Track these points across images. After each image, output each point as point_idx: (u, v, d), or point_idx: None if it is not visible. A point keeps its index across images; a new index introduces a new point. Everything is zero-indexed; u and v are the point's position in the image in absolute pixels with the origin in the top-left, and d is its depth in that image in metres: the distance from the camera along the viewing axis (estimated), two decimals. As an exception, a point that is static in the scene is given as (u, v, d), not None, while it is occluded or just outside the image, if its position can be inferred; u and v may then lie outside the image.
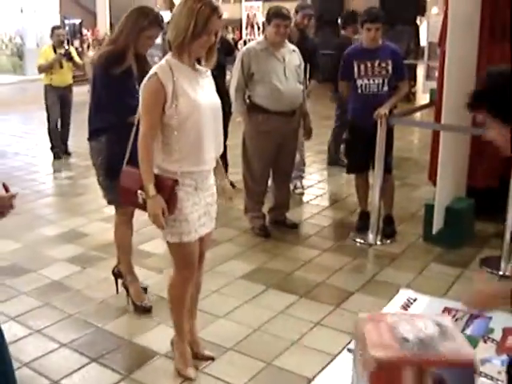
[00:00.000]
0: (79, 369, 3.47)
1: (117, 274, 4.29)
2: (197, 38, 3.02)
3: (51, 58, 8.47)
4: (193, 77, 3.12)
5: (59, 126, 8.90)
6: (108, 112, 3.89)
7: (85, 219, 6.01)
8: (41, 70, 8.56)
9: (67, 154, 8.96)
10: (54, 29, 8.84)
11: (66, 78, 8.76)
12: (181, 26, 3.01)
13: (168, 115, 3.04)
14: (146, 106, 3.08)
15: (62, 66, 8.54)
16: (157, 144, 3.09)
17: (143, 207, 3.14)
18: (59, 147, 8.84)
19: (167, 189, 3.05)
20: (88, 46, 23.61)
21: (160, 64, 3.10)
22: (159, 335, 3.80)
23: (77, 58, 8.81)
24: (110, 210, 5.98)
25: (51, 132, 8.79)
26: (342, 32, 7.75)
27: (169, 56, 3.12)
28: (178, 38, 3.05)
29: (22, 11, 19.27)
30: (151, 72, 3.07)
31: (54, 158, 8.78)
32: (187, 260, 3.30)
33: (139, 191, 3.11)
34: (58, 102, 8.69)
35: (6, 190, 2.41)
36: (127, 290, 4.21)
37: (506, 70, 2.07)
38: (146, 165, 3.05)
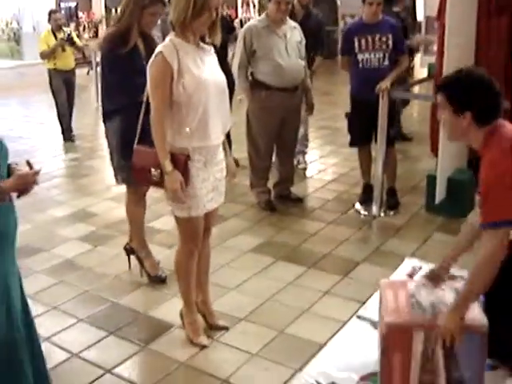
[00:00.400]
0: (98, 341, 3.59)
1: (129, 250, 4.39)
2: (198, 16, 3.09)
3: (53, 44, 8.49)
4: (197, 55, 3.20)
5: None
6: (118, 93, 3.94)
7: (93, 199, 6.11)
8: (43, 55, 8.57)
9: (73, 140, 9.01)
10: (50, 13, 8.83)
11: (69, 61, 8.79)
12: (181, 6, 3.09)
13: (175, 93, 3.11)
14: (155, 82, 3.15)
15: (64, 50, 8.57)
16: (166, 122, 3.17)
17: (158, 184, 3.25)
18: (70, 130, 8.90)
19: (181, 164, 3.14)
20: (84, 29, 23.55)
21: (164, 43, 3.17)
22: (173, 307, 3.90)
23: (78, 41, 8.86)
24: (118, 189, 6.11)
25: (61, 116, 8.81)
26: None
27: (172, 35, 3.18)
28: (179, 18, 3.12)
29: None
30: (156, 50, 3.15)
31: (65, 140, 8.82)
32: (193, 233, 3.41)
33: (152, 169, 3.21)
34: (64, 86, 8.71)
35: (30, 166, 2.45)
36: (142, 264, 4.31)
37: (476, 74, 2.62)
38: (161, 141, 3.13)
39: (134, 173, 3.48)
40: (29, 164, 2.46)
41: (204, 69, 3.20)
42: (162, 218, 5.36)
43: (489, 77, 2.61)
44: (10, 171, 2.44)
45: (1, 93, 13.17)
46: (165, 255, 4.58)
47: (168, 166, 3.11)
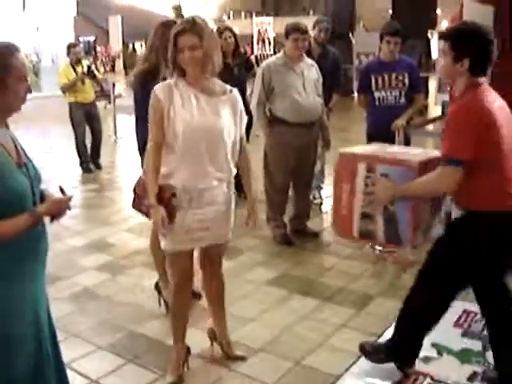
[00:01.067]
0: (116, 369, 3.64)
1: (159, 291, 4.43)
2: (176, 59, 3.19)
3: (73, 77, 8.63)
4: (196, 99, 3.21)
5: (89, 141, 9.08)
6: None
7: (110, 229, 6.21)
8: (64, 88, 8.70)
9: (99, 168, 9.13)
10: (70, 47, 8.97)
11: (89, 94, 8.94)
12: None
13: (166, 132, 3.19)
14: (150, 119, 3.24)
15: (83, 83, 8.74)
16: (161, 158, 3.26)
17: (148, 215, 3.40)
18: (88, 162, 9.02)
19: (165, 200, 3.19)
20: (101, 63, 23.97)
21: (163, 82, 3.28)
22: (190, 337, 3.94)
23: (98, 75, 9.06)
24: (135, 221, 6.21)
25: (79, 148, 8.95)
26: None
27: (176, 76, 3.27)
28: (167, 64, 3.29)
29: (37, 30, 19.62)
30: (154, 89, 3.25)
31: (84, 171, 8.94)
32: (178, 269, 3.44)
33: (146, 200, 3.33)
34: (84, 119, 8.85)
35: (63, 192, 2.53)
36: (159, 293, 4.37)
37: (477, 26, 3.01)
38: (151, 174, 3.22)
39: (133, 199, 3.64)
40: (61, 190, 2.53)
41: (198, 113, 3.20)
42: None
43: (486, 28, 3.03)
44: (42, 196, 2.51)
45: (21, 124, 13.34)
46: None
47: (152, 199, 3.18)
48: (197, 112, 3.19)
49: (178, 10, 14.90)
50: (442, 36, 3.06)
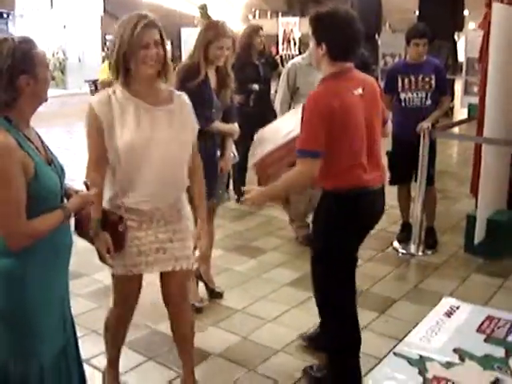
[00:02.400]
0: (136, 366, 3.66)
1: (197, 276, 4.46)
2: (131, 56, 2.75)
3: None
4: (141, 110, 2.84)
5: None
6: None
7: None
8: (103, 84, 8.67)
9: None
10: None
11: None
12: (112, 49, 2.83)
13: (107, 148, 2.83)
14: (86, 132, 2.88)
15: None
16: (106, 177, 2.92)
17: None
18: None
19: (111, 225, 2.85)
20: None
21: (101, 93, 2.90)
22: (210, 336, 3.97)
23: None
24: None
25: None
26: None
27: (117, 85, 2.85)
28: (113, 65, 2.83)
29: (64, 27, 19.78)
30: (89, 100, 2.90)
31: None
32: (122, 295, 3.17)
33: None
34: None
35: (88, 188, 2.56)
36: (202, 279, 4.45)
37: (341, 16, 3.03)
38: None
39: (76, 226, 2.82)
40: (86, 185, 2.56)
41: (144, 127, 2.82)
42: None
43: (350, 18, 3.05)
44: (65, 192, 2.54)
45: (45, 121, 13.48)
46: (203, 285, 4.66)
47: (95, 224, 2.79)
48: (146, 124, 2.83)
49: (203, 9, 14.93)
50: (308, 21, 3.16)
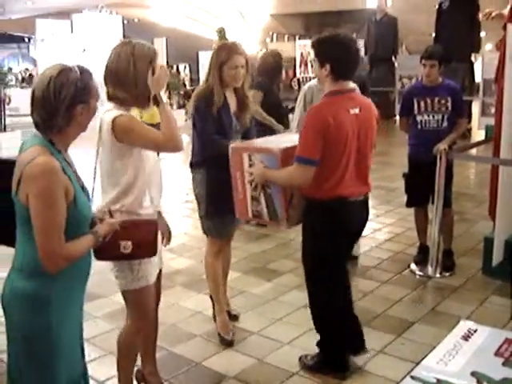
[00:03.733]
0: (152, 388, 3.64)
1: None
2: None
3: None
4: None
5: None
6: (201, 147, 4.12)
7: (150, 249, 6.22)
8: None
9: None
10: None
11: (155, 115, 8.84)
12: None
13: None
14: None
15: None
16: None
17: (129, 257, 2.86)
18: None
19: (153, 229, 2.93)
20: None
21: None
22: (226, 359, 3.96)
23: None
24: (175, 240, 6.22)
25: None
26: None
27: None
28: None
29: (84, 51, 19.99)
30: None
31: None
32: (149, 306, 3.21)
33: (122, 242, 2.79)
34: None
35: (111, 215, 2.66)
36: (214, 319, 4.39)
37: (340, 39, 3.42)
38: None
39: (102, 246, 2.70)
40: (110, 213, 2.68)
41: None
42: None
43: (349, 41, 3.44)
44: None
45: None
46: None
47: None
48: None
49: (221, 32, 15.06)
50: (311, 44, 3.55)
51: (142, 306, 3.17)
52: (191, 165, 4.22)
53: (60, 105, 2.28)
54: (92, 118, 2.45)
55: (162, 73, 2.97)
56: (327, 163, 3.36)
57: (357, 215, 3.62)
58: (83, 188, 2.47)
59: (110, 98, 3.02)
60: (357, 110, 3.43)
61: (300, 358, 3.88)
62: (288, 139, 3.83)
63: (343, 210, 3.49)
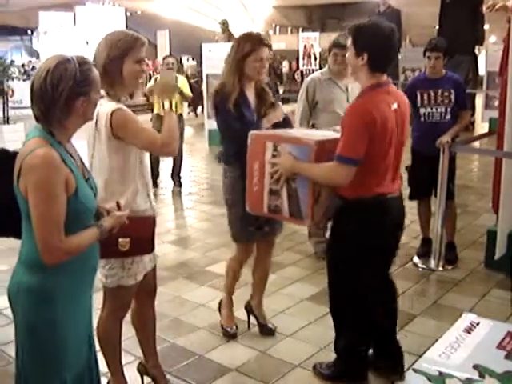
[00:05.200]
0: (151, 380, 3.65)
1: (248, 310, 4.31)
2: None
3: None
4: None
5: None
6: (230, 143, 3.92)
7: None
8: (148, 92, 8.41)
9: (179, 185, 8.90)
10: (164, 58, 8.94)
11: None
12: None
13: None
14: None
15: None
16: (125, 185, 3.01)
17: (127, 254, 2.88)
18: (156, 176, 8.74)
19: (151, 225, 2.94)
20: (149, 77, 24.25)
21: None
22: (229, 352, 3.97)
23: (186, 90, 8.67)
24: (178, 233, 6.25)
25: (152, 160, 8.78)
26: None
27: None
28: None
29: (87, 43, 19.96)
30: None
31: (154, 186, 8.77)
32: (126, 302, 3.23)
33: (120, 239, 2.79)
34: None
35: (119, 207, 2.60)
36: (219, 311, 4.31)
37: (381, 27, 3.17)
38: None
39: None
40: (118, 205, 2.61)
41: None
42: (219, 263, 5.43)
43: (391, 31, 3.18)
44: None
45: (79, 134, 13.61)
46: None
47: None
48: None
49: (224, 24, 15.02)
50: (348, 31, 3.25)
51: (122, 300, 3.19)
52: (223, 162, 3.99)
53: (58, 97, 2.24)
54: (94, 109, 2.42)
55: (169, 76, 2.98)
56: (370, 161, 3.14)
57: (395, 213, 3.43)
58: (88, 179, 2.45)
59: None
60: (395, 105, 3.22)
61: (314, 367, 3.72)
62: (311, 132, 3.67)
63: (382, 208, 3.31)
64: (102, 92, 2.90)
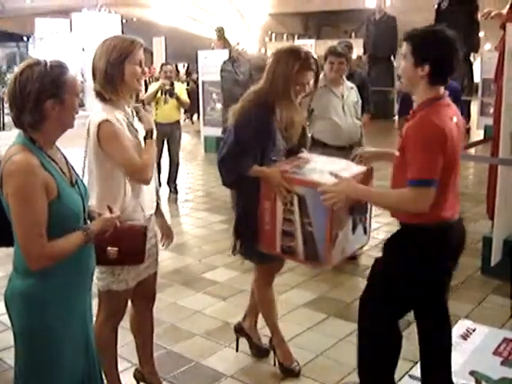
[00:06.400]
0: (150, 387, 3.65)
1: (238, 330, 4.08)
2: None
3: (153, 90, 8.48)
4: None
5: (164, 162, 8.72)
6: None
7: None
8: (147, 100, 8.47)
9: (175, 192, 8.83)
10: (162, 65, 8.88)
11: (170, 114, 8.55)
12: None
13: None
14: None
15: (166, 102, 8.44)
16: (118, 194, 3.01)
17: (116, 262, 2.88)
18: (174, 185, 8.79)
19: (141, 236, 2.94)
20: (145, 83, 24.26)
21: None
22: (226, 358, 3.96)
23: (183, 97, 8.66)
24: (176, 240, 6.23)
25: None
26: None
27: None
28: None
29: (83, 50, 19.99)
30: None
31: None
32: (123, 307, 3.24)
33: (109, 247, 2.80)
34: (161, 139, 8.29)
35: (111, 211, 2.57)
36: (274, 351, 3.88)
37: (442, 33, 2.82)
38: None
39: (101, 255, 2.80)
40: (110, 209, 2.58)
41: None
42: (215, 269, 5.44)
43: (453, 37, 2.81)
44: (88, 214, 2.55)
45: (66, 142, 13.58)
46: (218, 307, 4.67)
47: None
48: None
49: (220, 32, 15.01)
50: (405, 38, 2.89)
51: (115, 306, 3.18)
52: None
53: (26, 100, 2.23)
54: (73, 113, 2.37)
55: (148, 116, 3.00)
56: (444, 182, 2.84)
57: (457, 239, 3.15)
58: (75, 183, 2.43)
59: (96, 94, 3.02)
60: (455, 119, 2.91)
61: None
62: (320, 167, 3.36)
63: (445, 234, 2.98)
64: (99, 102, 2.96)
